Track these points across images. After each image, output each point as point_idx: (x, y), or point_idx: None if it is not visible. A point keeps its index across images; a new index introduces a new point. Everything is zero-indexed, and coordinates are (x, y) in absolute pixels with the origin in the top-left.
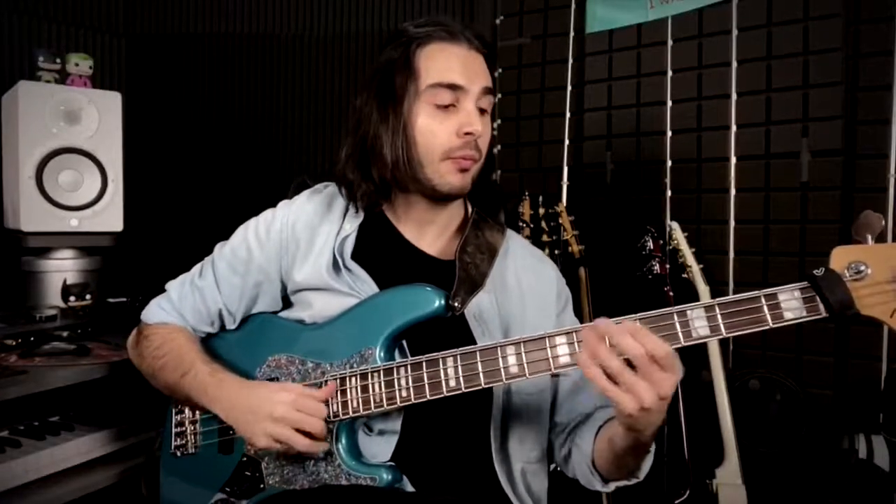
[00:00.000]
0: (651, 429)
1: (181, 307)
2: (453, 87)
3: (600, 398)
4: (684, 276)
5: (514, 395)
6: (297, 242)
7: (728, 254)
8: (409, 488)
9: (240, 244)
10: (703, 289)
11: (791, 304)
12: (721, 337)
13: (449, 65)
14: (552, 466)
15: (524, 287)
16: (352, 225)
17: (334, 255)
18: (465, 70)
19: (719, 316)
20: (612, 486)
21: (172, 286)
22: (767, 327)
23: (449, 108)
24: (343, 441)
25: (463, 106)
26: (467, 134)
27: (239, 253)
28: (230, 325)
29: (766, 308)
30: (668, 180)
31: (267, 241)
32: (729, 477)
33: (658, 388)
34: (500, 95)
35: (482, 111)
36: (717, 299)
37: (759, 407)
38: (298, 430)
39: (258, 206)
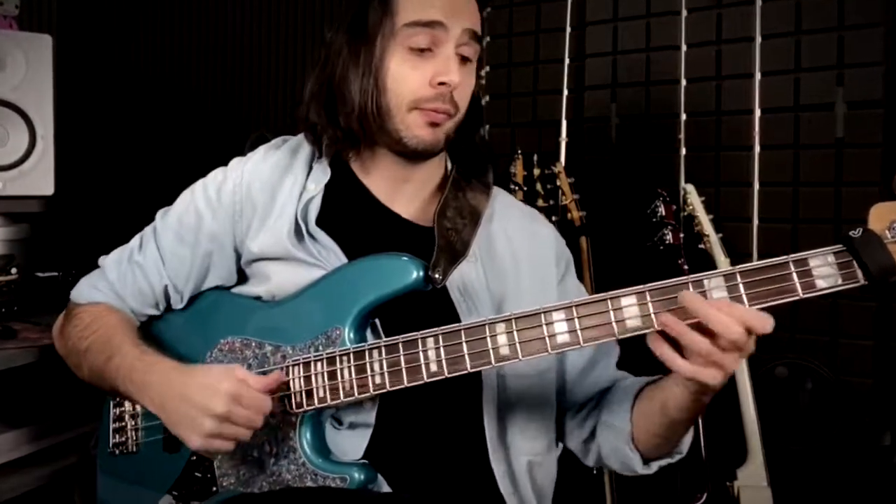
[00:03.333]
0: (720, 386)
1: (120, 289)
2: (432, 25)
3: (617, 370)
4: (701, 246)
5: (508, 378)
6: (253, 206)
7: (751, 221)
8: (386, 489)
9: (186, 209)
10: (722, 261)
11: (824, 270)
12: None
13: (430, 0)
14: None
15: (517, 253)
16: (316, 185)
17: (297, 221)
18: (448, 7)
19: (741, 286)
20: (654, 467)
21: (108, 264)
22: (797, 298)
23: (425, 52)
24: (308, 436)
25: (441, 51)
26: (441, 84)
27: (186, 220)
28: (177, 305)
29: (795, 276)
30: (682, 136)
31: (218, 204)
32: (752, 478)
33: (743, 354)
34: (488, 39)
35: (464, 59)
36: (739, 266)
37: (787, 397)
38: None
39: (210, 165)
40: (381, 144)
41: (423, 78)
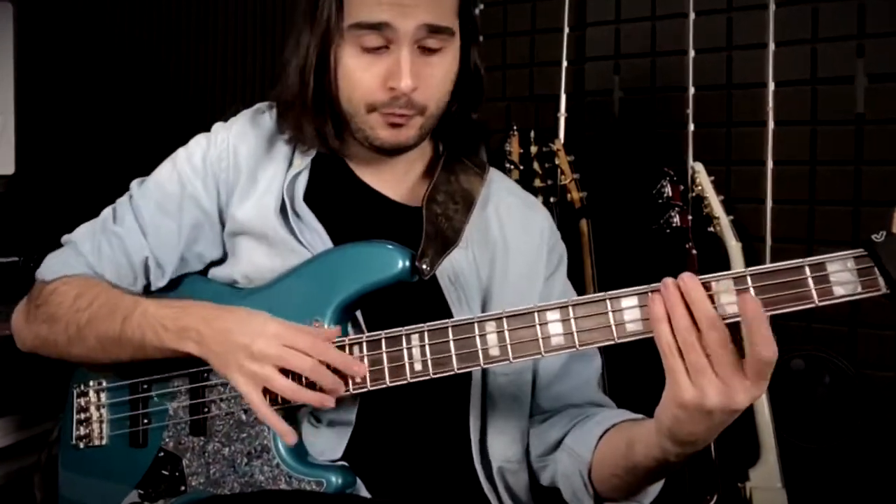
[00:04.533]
0: (694, 446)
1: (95, 261)
2: (379, 27)
3: (596, 391)
4: (710, 229)
5: (490, 376)
6: (238, 170)
7: (765, 202)
8: (365, 493)
9: (169, 178)
10: (733, 245)
11: (842, 276)
12: None
13: None
14: None
15: (509, 241)
16: (303, 160)
17: (283, 198)
18: (396, 5)
19: (752, 290)
20: None
21: (80, 237)
22: (812, 305)
23: (380, 50)
24: None
25: (394, 51)
26: (393, 89)
27: (168, 188)
28: (157, 282)
29: (811, 281)
30: (690, 111)
31: (204, 171)
32: (765, 479)
33: (730, 395)
34: (481, 6)
35: (430, 51)
36: (750, 269)
37: (803, 392)
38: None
39: (180, 144)
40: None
41: (375, 80)
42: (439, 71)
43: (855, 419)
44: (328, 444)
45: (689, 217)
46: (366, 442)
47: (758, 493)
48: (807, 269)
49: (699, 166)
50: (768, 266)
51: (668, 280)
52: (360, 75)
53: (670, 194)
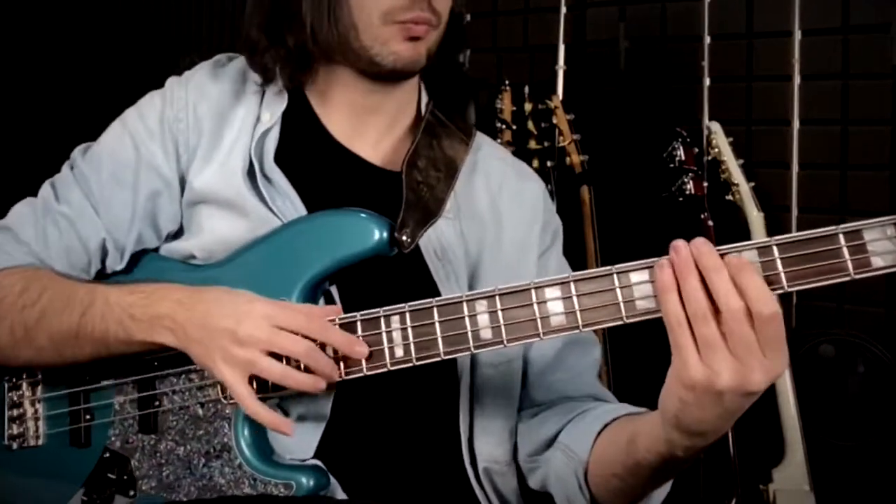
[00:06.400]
0: (704, 438)
1: (41, 250)
2: None
3: (595, 384)
4: (728, 197)
5: (477, 369)
6: (199, 132)
7: (790, 167)
8: (341, 495)
9: (120, 144)
10: (755, 216)
11: (881, 245)
12: (781, 291)
13: None
14: None
15: (501, 214)
16: (272, 114)
17: (250, 158)
18: None
19: (779, 261)
20: None
21: (18, 222)
22: (847, 279)
23: None
24: (246, 432)
25: None
26: None
27: (122, 156)
28: (116, 266)
29: (846, 251)
30: (705, 63)
31: (160, 131)
32: (790, 480)
33: (745, 374)
34: None
35: None
36: (776, 238)
37: (833, 382)
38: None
39: (129, 99)
40: (345, 65)
41: None
42: None
43: (892, 413)
44: (298, 440)
45: (705, 184)
46: (341, 438)
47: (782, 497)
48: (841, 238)
49: (716, 126)
50: (797, 234)
51: (679, 243)
52: None
53: (683, 158)
